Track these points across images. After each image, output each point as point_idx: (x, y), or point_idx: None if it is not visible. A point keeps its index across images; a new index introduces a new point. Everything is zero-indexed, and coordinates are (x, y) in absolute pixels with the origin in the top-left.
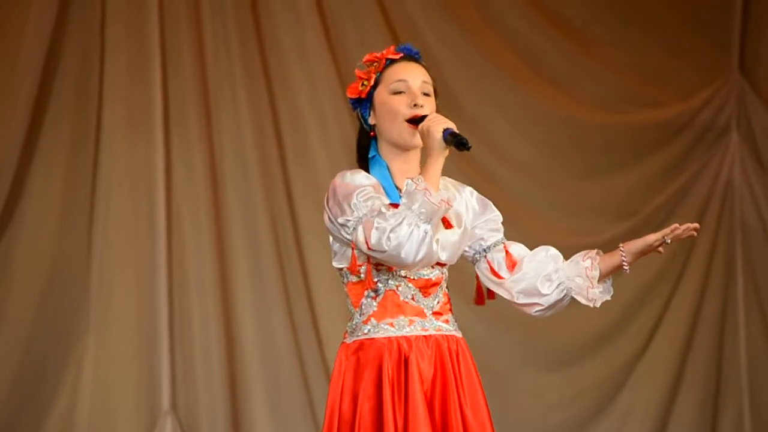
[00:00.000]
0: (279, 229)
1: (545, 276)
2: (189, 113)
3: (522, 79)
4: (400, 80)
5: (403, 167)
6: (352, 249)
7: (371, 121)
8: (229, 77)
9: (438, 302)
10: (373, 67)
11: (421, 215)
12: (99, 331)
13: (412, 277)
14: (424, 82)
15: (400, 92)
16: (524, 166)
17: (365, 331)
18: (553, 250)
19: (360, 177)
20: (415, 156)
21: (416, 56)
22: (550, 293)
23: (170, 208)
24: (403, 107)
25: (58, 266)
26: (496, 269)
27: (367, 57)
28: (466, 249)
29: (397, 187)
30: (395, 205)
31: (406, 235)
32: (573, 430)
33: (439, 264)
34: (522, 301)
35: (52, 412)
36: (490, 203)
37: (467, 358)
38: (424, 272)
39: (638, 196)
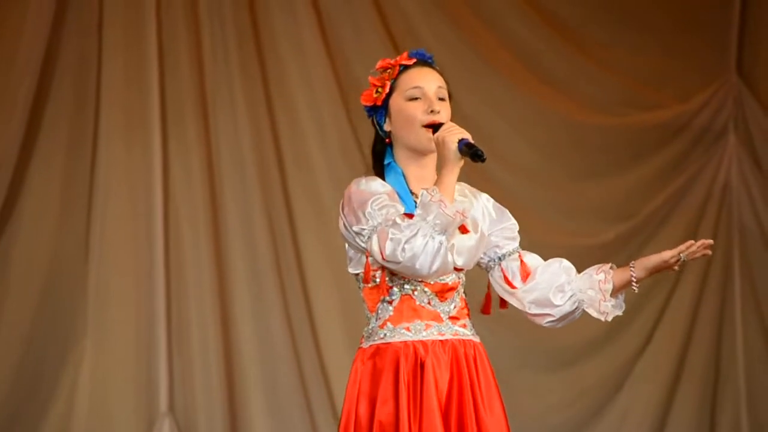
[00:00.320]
0: (276, 232)
1: (558, 287)
2: (186, 116)
3: (520, 80)
4: (415, 87)
5: (419, 173)
6: (367, 257)
7: (387, 127)
8: (227, 80)
9: (455, 307)
10: (387, 74)
11: (436, 227)
12: (97, 332)
13: (428, 282)
14: (440, 87)
15: (416, 98)
16: (522, 167)
17: (381, 336)
18: (566, 263)
19: (375, 184)
20: (431, 161)
21: (430, 61)
22: (562, 304)
23: (168, 211)
24: (419, 113)
25: (56, 268)
26: (509, 278)
27: (380, 64)
28: (482, 256)
29: (413, 194)
30: (410, 215)
31: (420, 246)
32: (572, 430)
33: (456, 269)
34: (534, 311)
35: (50, 413)
36: (507, 211)
37: (485, 364)
38: (441, 277)
39: (636, 197)
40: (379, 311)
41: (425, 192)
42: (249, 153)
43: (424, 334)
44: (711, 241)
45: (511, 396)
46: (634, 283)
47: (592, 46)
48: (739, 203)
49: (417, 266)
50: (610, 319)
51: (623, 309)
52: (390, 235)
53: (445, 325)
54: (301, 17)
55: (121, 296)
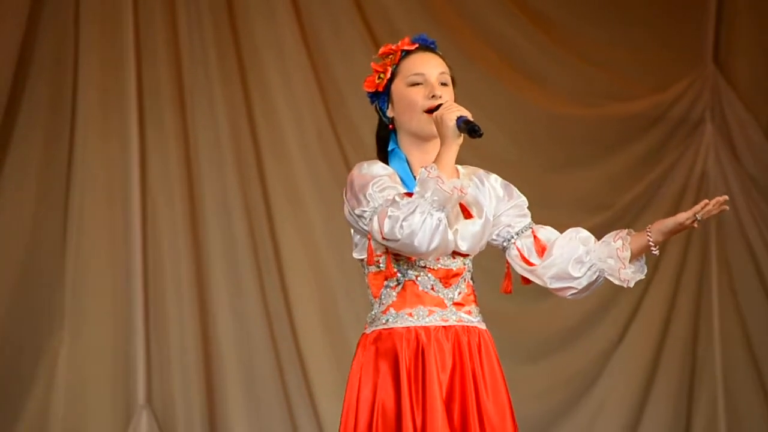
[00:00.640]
0: (254, 223)
1: (576, 259)
2: (164, 107)
3: (498, 73)
4: (417, 73)
5: (423, 158)
6: (369, 240)
7: (389, 113)
8: (204, 72)
9: (460, 293)
10: (389, 60)
11: (434, 203)
12: (74, 324)
13: (432, 267)
14: (442, 72)
15: (418, 84)
16: (500, 158)
17: (384, 321)
18: (584, 233)
19: (377, 167)
20: (434, 147)
21: (432, 46)
22: (581, 276)
23: (145, 203)
24: (420, 99)
25: (33, 260)
26: (526, 256)
27: (382, 49)
28: (495, 237)
29: (416, 179)
30: (409, 194)
31: (419, 223)
32: (548, 421)
33: (461, 254)
34: (555, 285)
35: (27, 406)
36: (515, 189)
37: (490, 351)
38: (446, 262)
39: (613, 188)
40: (383, 297)
41: (423, 170)
42: (227, 144)
43: (427, 319)
44: (726, 197)
45: None
46: (652, 248)
47: (569, 37)
48: (716, 193)
49: (416, 243)
50: (632, 285)
51: (645, 272)
52: (389, 213)
53: (449, 311)
54: (278, 8)
55: (99, 288)
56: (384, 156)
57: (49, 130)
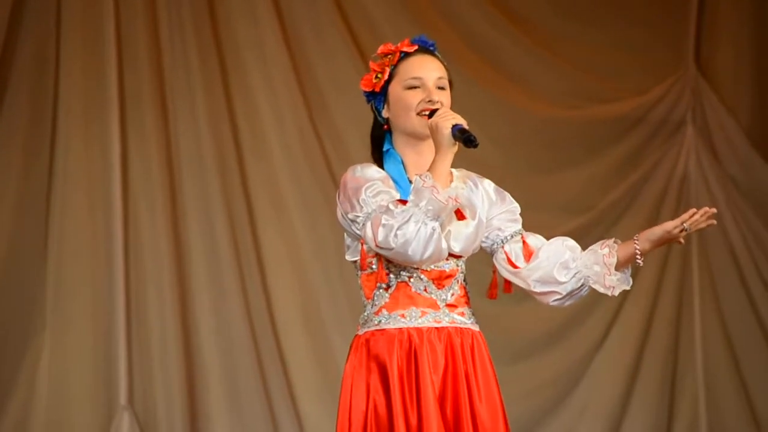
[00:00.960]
0: (236, 224)
1: (562, 263)
2: (145, 112)
3: (481, 75)
4: (414, 77)
5: (417, 160)
6: (362, 244)
7: (385, 114)
8: (186, 75)
9: (452, 294)
10: (387, 60)
11: (428, 212)
12: (55, 326)
13: (425, 269)
14: (439, 77)
15: (415, 87)
16: (482, 160)
17: (376, 323)
18: (570, 242)
19: (370, 171)
20: (428, 147)
21: (431, 48)
22: (567, 281)
23: (127, 203)
24: (415, 102)
25: (14, 261)
26: (513, 260)
27: (381, 49)
28: (484, 240)
29: (411, 181)
30: (403, 201)
31: (413, 232)
32: (530, 423)
33: (454, 256)
34: (539, 289)
35: (8, 407)
36: (508, 195)
37: (483, 353)
38: (439, 264)
39: (595, 190)
40: (375, 298)
41: (418, 178)
42: (208, 147)
43: (420, 321)
44: (714, 210)
45: None
46: (638, 257)
47: (551, 39)
48: (697, 195)
49: (409, 252)
50: (617, 293)
51: (630, 283)
52: (383, 222)
53: (441, 313)
54: (261, 12)
55: (80, 289)
56: (378, 156)
57: (31, 131)
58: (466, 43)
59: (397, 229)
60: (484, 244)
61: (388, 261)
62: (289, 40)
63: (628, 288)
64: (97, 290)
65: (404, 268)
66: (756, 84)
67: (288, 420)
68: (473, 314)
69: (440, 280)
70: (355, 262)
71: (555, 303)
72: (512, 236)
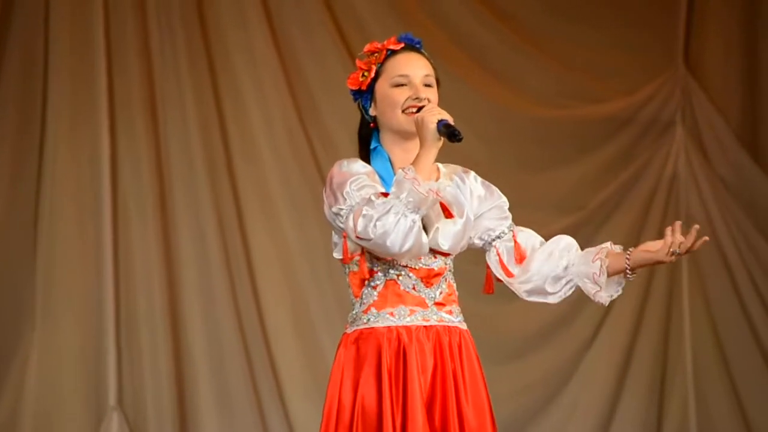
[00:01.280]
0: (225, 227)
1: (554, 277)
2: (135, 115)
3: (469, 74)
4: (401, 75)
5: (404, 157)
6: (345, 238)
7: (372, 112)
8: (176, 78)
9: (441, 293)
10: (374, 58)
11: (408, 204)
12: (45, 327)
13: (413, 267)
14: (426, 75)
15: (402, 85)
16: (470, 159)
17: (365, 321)
18: (563, 242)
19: (356, 165)
20: (415, 146)
21: (418, 46)
22: (558, 291)
23: (116, 205)
24: (402, 99)
25: (4, 262)
26: (505, 263)
27: (367, 47)
28: (476, 240)
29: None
30: (386, 194)
31: (392, 224)
32: (520, 422)
33: (442, 254)
34: (531, 299)
35: None
36: (496, 189)
37: (470, 351)
38: (427, 262)
39: (585, 189)
40: (364, 296)
41: (400, 170)
42: (198, 150)
43: (408, 319)
44: (706, 238)
45: None
46: (629, 274)
47: (540, 39)
48: (687, 194)
49: (388, 243)
50: (606, 303)
51: (621, 288)
52: (363, 212)
53: (430, 311)
54: (250, 14)
55: (70, 290)
56: (365, 154)
57: (20, 133)
58: (453, 41)
59: (377, 220)
60: (475, 244)
61: (376, 259)
62: (279, 41)
63: (617, 294)
64: (86, 291)
65: (393, 266)
66: (745, 84)
67: (277, 420)
68: (461, 312)
69: (429, 278)
70: (341, 259)
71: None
72: (503, 234)
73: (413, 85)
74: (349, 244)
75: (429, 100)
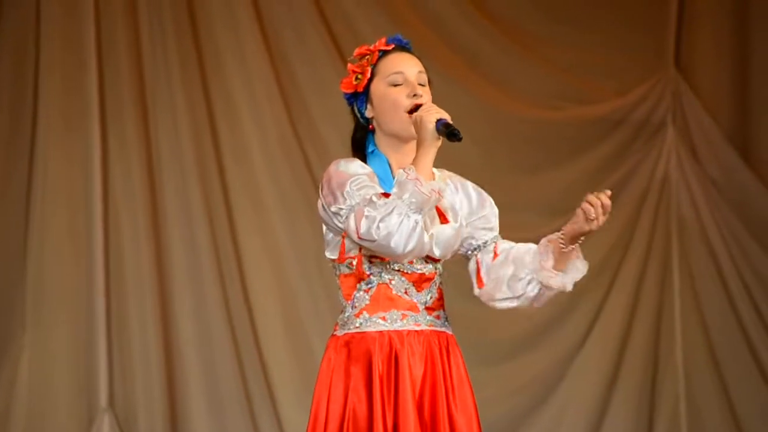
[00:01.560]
0: (216, 227)
1: (511, 279)
2: (126, 118)
3: (461, 76)
4: (396, 72)
5: (401, 160)
6: (343, 238)
7: (368, 114)
8: (167, 80)
9: (431, 297)
10: (366, 60)
11: (411, 205)
12: (36, 328)
13: (405, 271)
14: (420, 72)
15: (398, 84)
16: (461, 161)
17: (357, 325)
18: (523, 247)
19: (355, 166)
20: (412, 149)
21: (407, 47)
22: (521, 293)
23: (107, 206)
24: (403, 98)
25: None
26: (482, 275)
27: (358, 50)
28: (460, 246)
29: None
30: (387, 195)
31: (396, 224)
32: (511, 424)
33: (433, 259)
34: (502, 306)
35: None
36: (489, 199)
37: (457, 356)
38: (418, 267)
39: (575, 191)
40: (356, 300)
41: (401, 171)
42: (189, 152)
43: (400, 324)
44: (608, 191)
45: None
46: (563, 248)
47: (530, 40)
48: (678, 196)
49: (392, 245)
50: (571, 288)
51: (584, 269)
52: (365, 213)
53: (421, 316)
54: (241, 17)
55: (60, 292)
56: (361, 158)
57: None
58: (445, 43)
59: (380, 221)
60: (459, 251)
61: (371, 261)
62: (269, 43)
63: (583, 274)
64: (77, 293)
65: (385, 270)
66: (736, 86)
67: (268, 422)
68: (447, 318)
69: (420, 282)
70: (334, 260)
71: (527, 306)
72: (485, 245)
73: (409, 82)
74: (347, 243)
75: (424, 98)
